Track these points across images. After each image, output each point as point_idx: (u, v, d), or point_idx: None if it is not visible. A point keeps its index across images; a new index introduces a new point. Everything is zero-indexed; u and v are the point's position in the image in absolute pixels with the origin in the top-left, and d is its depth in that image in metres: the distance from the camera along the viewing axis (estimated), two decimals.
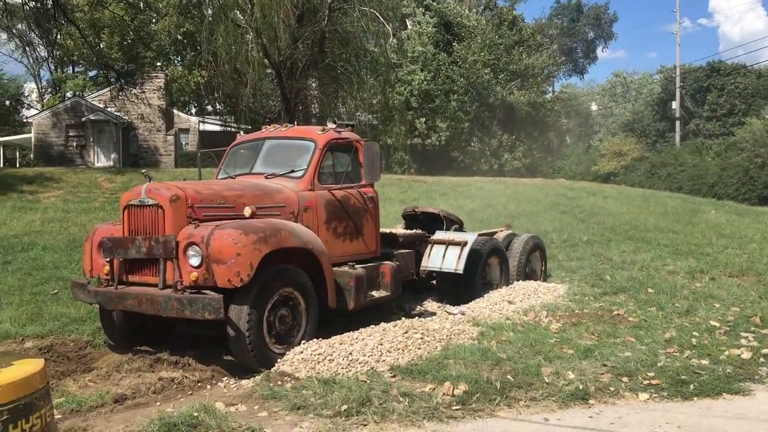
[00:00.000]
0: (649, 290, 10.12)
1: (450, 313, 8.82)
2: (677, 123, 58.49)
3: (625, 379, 6.23)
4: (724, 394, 5.94)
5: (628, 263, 12.18)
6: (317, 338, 6.94)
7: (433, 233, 9.77)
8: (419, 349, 6.98)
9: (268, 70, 26.62)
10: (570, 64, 62.49)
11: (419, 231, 10.05)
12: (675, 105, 57.99)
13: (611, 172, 58.00)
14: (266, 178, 7.86)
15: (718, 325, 8.16)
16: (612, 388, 5.99)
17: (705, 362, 6.77)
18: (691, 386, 6.04)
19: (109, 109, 35.44)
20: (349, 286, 7.55)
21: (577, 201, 19.64)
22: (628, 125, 68.66)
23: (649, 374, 6.34)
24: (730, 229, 16.12)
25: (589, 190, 22.67)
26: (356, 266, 7.77)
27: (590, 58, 64.27)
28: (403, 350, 6.86)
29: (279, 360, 6.51)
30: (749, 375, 6.43)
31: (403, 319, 7.95)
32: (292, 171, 7.89)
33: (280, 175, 7.87)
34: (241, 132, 10.10)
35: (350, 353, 6.58)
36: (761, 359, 6.84)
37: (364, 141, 8.32)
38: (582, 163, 67.45)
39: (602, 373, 6.35)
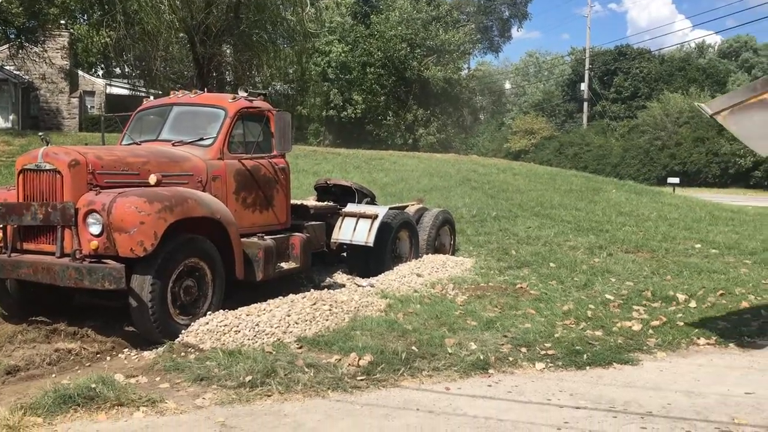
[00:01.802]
0: (551, 265, 10.52)
1: (359, 286, 8.89)
2: (585, 104, 60.65)
3: (523, 349, 6.48)
4: (614, 363, 6.28)
5: (532, 238, 12.59)
6: (224, 309, 6.85)
7: (345, 206, 9.78)
8: (327, 320, 7.02)
9: (181, 34, 25.71)
10: (486, 42, 63.27)
11: (331, 203, 10.03)
12: (584, 86, 60.05)
13: (522, 149, 59.74)
14: (173, 145, 7.64)
15: (612, 298, 8.59)
16: (511, 358, 6.22)
17: (599, 333, 7.13)
18: (585, 356, 6.35)
19: (7, 68, 33.37)
20: (258, 257, 7.48)
21: (488, 177, 20.07)
22: (539, 105, 70.72)
23: (546, 345, 6.63)
24: (629, 207, 16.90)
25: (500, 167, 23.20)
26: (265, 237, 7.69)
27: (505, 37, 65.26)
28: (311, 321, 6.87)
29: (183, 331, 6.40)
30: (638, 346, 6.82)
31: (312, 290, 7.95)
32: (201, 139, 7.69)
33: (189, 143, 7.66)
34: (151, 97, 9.75)
35: (257, 324, 6.54)
36: (650, 331, 7.27)
37: (276, 111, 8.19)
38: (495, 140, 69.15)
39: (503, 344, 6.58)
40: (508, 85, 79.77)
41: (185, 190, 6.90)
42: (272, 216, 8.19)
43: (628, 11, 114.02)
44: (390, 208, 10.01)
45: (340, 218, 9.48)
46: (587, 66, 60.32)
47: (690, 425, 4.79)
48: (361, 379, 5.54)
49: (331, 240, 9.43)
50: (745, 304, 8.47)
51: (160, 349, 6.16)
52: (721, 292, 9.07)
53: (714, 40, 71.33)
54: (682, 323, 7.53)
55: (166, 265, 6.39)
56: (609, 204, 17.18)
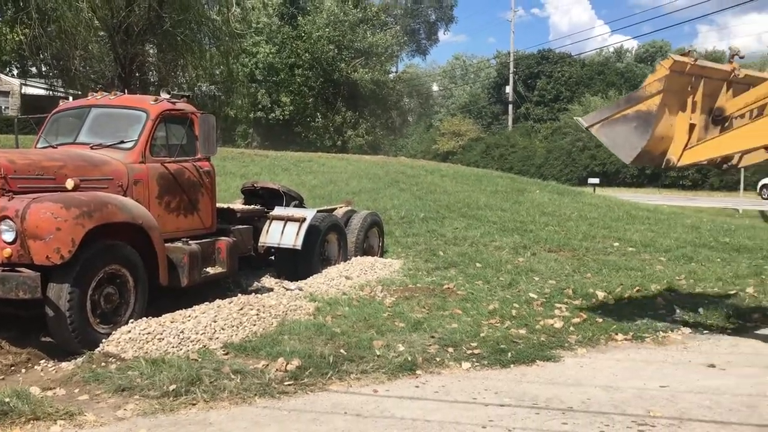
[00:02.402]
0: (477, 265, 10.71)
1: (287, 289, 8.82)
2: (510, 107, 62.06)
3: (450, 349, 6.58)
4: (537, 361, 6.45)
5: (459, 239, 12.78)
6: (147, 317, 6.68)
7: (273, 209, 9.69)
8: (254, 325, 6.94)
9: (101, 33, 24.91)
10: (413, 44, 63.98)
11: (258, 206, 9.92)
12: (508, 89, 61.44)
13: (450, 151, 60.61)
14: (92, 148, 7.40)
15: (536, 296, 8.82)
16: (438, 359, 6.31)
17: (522, 332, 7.31)
18: (509, 354, 6.50)
19: None
20: (183, 262, 7.33)
21: (416, 179, 20.23)
22: (466, 107, 71.93)
23: (472, 344, 6.75)
24: (552, 207, 17.36)
25: (428, 169, 23.41)
26: (190, 242, 7.55)
27: (432, 40, 66.18)
28: (238, 327, 6.78)
29: (104, 340, 6.20)
30: (560, 343, 7.03)
31: (240, 295, 7.85)
32: (122, 142, 7.47)
33: (108, 146, 7.43)
34: (70, 98, 9.41)
35: (182, 331, 6.40)
36: (571, 328, 7.50)
37: (201, 113, 8.04)
38: (423, 141, 69.89)
39: (430, 345, 6.66)
40: (435, 87, 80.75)
41: (105, 194, 6.69)
42: (197, 220, 8.04)
43: (550, 16, 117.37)
44: (318, 211, 9.98)
45: (268, 221, 9.38)
46: (512, 69, 61.75)
47: (608, 419, 4.97)
48: (289, 384, 5.50)
49: (259, 244, 9.32)
50: (660, 300, 8.83)
51: (79, 360, 5.95)
52: (637, 288, 9.44)
53: (631, 45, 74.05)
54: (601, 320, 7.80)
55: (85, 273, 6.18)
56: (533, 204, 17.60)
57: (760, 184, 37.18)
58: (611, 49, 70.91)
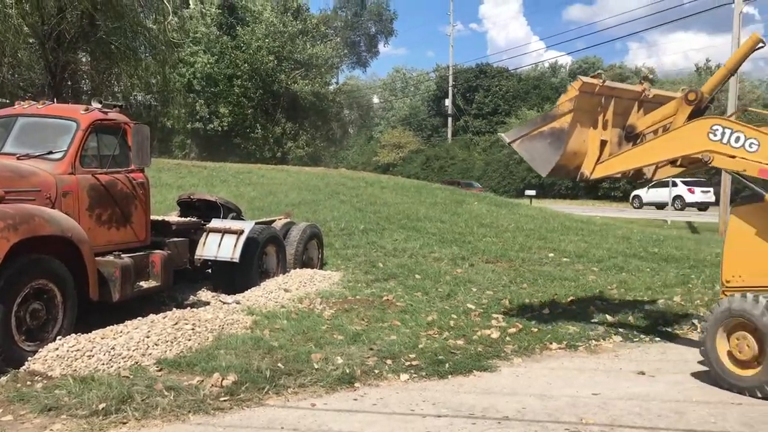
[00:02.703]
0: (417, 276, 10.78)
1: (224, 303, 8.68)
2: (449, 119, 62.91)
3: (389, 361, 6.58)
4: (474, 371, 6.52)
5: (399, 251, 12.84)
6: (76, 333, 6.46)
7: (210, 221, 9.53)
8: (189, 340, 6.79)
9: (31, 40, 24.11)
10: (353, 56, 64.32)
11: (194, 219, 9.74)
12: (448, 102, 62.31)
13: (391, 163, 60.93)
14: (18, 159, 7.13)
15: (473, 307, 8.92)
16: (377, 371, 6.30)
17: (460, 342, 7.38)
18: (447, 365, 6.55)
19: None
20: (115, 276, 7.13)
21: (357, 190, 20.26)
22: (406, 119, 72.53)
23: (410, 356, 6.77)
24: (490, 219, 17.65)
25: (368, 180, 23.49)
26: (123, 255, 7.35)
27: (372, 53, 66.72)
28: (172, 342, 6.63)
29: (30, 358, 5.96)
30: (497, 353, 7.13)
31: (174, 309, 7.68)
32: (50, 152, 7.23)
33: (36, 157, 7.18)
34: None
35: (113, 348, 6.21)
36: (507, 338, 7.61)
37: (134, 123, 7.86)
38: (364, 153, 70.07)
39: (368, 357, 6.65)
40: (376, 100, 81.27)
41: (32, 207, 6.46)
42: (130, 233, 7.83)
43: (488, 31, 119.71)
44: (256, 223, 9.88)
45: (205, 234, 9.22)
46: (451, 83, 62.68)
47: (542, 427, 5.06)
48: (224, 400, 5.40)
49: (195, 256, 9.15)
50: (592, 310, 9.06)
51: (3, 379, 5.70)
52: (571, 298, 9.67)
53: (565, 60, 76.20)
54: (536, 329, 7.95)
55: (9, 288, 5.94)
56: (471, 216, 17.85)
57: (632, 195, 39.12)
58: (546, 65, 72.76)
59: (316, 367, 6.25)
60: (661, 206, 34.59)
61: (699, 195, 35.07)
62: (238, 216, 10.52)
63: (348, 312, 8.51)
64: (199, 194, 10.97)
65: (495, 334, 7.68)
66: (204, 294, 9.20)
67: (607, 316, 8.73)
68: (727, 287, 6.57)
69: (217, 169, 22.36)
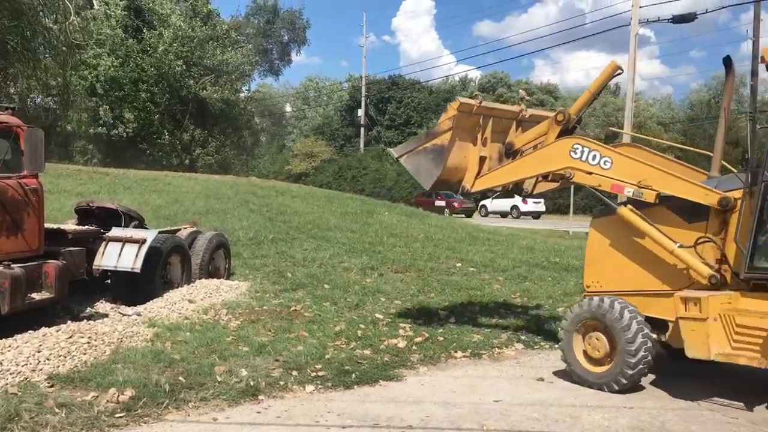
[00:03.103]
0: (326, 286, 10.73)
1: (124, 315, 8.36)
2: (362, 129, 63.21)
3: (294, 372, 6.52)
4: (380, 381, 6.55)
5: (308, 260, 12.75)
6: None
7: (110, 230, 9.17)
8: (85, 354, 6.51)
9: None
10: (266, 64, 63.62)
11: (93, 227, 9.36)
12: (360, 113, 62.61)
13: (303, 172, 60.56)
14: None
15: (381, 317, 8.97)
16: (282, 382, 6.22)
17: (367, 352, 7.39)
18: (353, 375, 6.55)
19: None
20: (3, 287, 6.75)
21: (267, 200, 20.01)
22: (319, 128, 72.34)
23: (317, 366, 6.73)
24: (400, 229, 17.82)
25: (279, 189, 23.25)
26: (13, 265, 6.97)
27: (285, 61, 66.19)
28: (66, 357, 6.33)
29: None
30: (403, 362, 7.19)
31: (69, 322, 7.36)
32: None
33: None
34: None
35: (0, 363, 5.87)
36: (414, 347, 7.69)
37: (27, 127, 7.48)
38: (276, 162, 69.34)
39: (274, 368, 6.57)
40: (288, 108, 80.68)
41: None
42: (21, 242, 7.44)
43: (400, 43, 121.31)
44: (160, 232, 9.58)
45: (104, 243, 8.86)
46: (363, 93, 63.02)
47: None
48: (120, 416, 5.20)
49: (93, 266, 8.78)
50: (496, 318, 9.28)
51: None
52: (477, 306, 9.87)
53: (475, 74, 77.99)
54: (442, 338, 8.06)
55: None
56: (382, 226, 17.97)
57: (480, 204, 41.69)
58: (457, 78, 74.34)
59: (219, 380, 6.11)
60: (504, 214, 39.81)
61: (531, 205, 39.12)
62: (141, 224, 10.19)
63: (254, 323, 8.38)
64: (99, 202, 10.56)
65: (402, 344, 7.74)
66: (102, 306, 8.83)
67: (511, 324, 8.96)
68: (587, 292, 7.16)
69: (121, 176, 21.58)
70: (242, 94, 42.59)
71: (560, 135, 7.54)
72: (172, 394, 5.66)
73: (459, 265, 13.49)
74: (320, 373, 6.55)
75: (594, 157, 6.96)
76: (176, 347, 7.07)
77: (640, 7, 26.92)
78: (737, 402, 6.06)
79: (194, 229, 10.98)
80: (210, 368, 6.37)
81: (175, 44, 34.53)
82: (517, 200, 37.97)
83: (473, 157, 7.85)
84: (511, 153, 8.04)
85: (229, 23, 42.57)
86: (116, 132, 34.73)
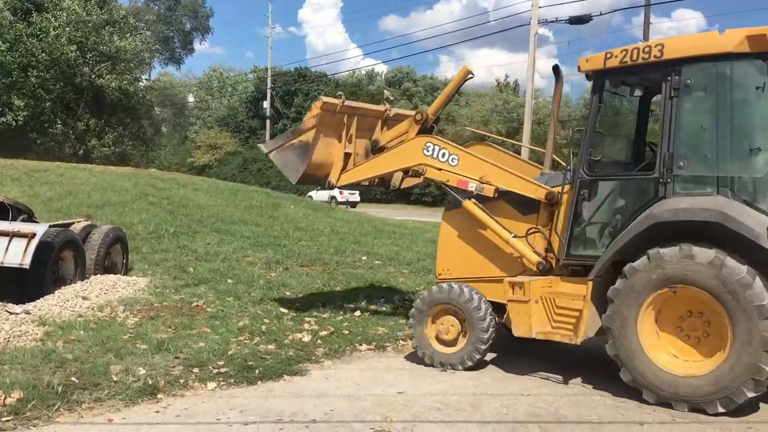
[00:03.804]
0: (229, 281, 10.54)
1: (11, 313, 7.90)
2: (268, 122, 62.37)
3: (196, 369, 6.37)
4: (285, 376, 6.50)
5: (212, 255, 12.48)
6: None
7: None
8: None
9: None
10: (167, 52, 61.72)
11: None
12: (266, 104, 61.77)
13: (206, 164, 59.20)
14: None
15: (286, 311, 8.90)
16: (182, 380, 6.07)
17: (271, 347, 7.32)
18: (257, 371, 6.47)
19: None
20: None
21: (167, 192, 19.39)
22: (223, 120, 70.84)
23: (219, 363, 6.61)
24: (306, 222, 17.71)
25: (180, 182, 22.56)
26: None
27: (187, 50, 64.48)
28: None
29: None
30: (308, 356, 7.16)
31: None
32: None
33: None
34: None
35: None
36: (319, 341, 7.67)
37: None
38: (177, 153, 67.39)
39: (174, 366, 6.40)
40: (191, 99, 78.54)
41: None
42: None
43: (306, 36, 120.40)
44: (51, 226, 9.13)
45: None
46: (269, 85, 62.21)
47: (348, 428, 5.15)
48: (7, 420, 4.93)
49: None
50: (401, 311, 9.39)
51: None
52: (382, 299, 9.95)
53: (381, 69, 78.51)
54: (347, 332, 8.09)
55: None
56: (287, 219, 17.80)
57: (307, 194, 43.30)
58: (363, 72, 74.58)
59: (115, 379, 5.90)
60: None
61: (347, 195, 42.89)
62: (30, 218, 9.70)
63: (154, 320, 8.13)
64: None
65: (306, 338, 7.71)
66: None
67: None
68: (439, 279, 7.72)
69: (8, 166, 20.34)
70: (142, 83, 41.00)
71: (419, 133, 7.99)
72: (64, 395, 5.41)
73: (365, 258, 13.55)
74: (222, 370, 6.43)
75: (443, 155, 7.54)
76: (69, 346, 6.76)
77: (540, 7, 27.84)
78: (557, 375, 6.76)
79: (89, 222, 10.53)
80: (105, 367, 6.13)
81: (68, 28, 32.76)
82: (335, 192, 39.45)
83: (338, 153, 8.24)
84: (377, 150, 8.43)
85: (127, 8, 40.92)
86: (4, 120, 32.71)
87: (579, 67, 6.76)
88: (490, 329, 6.82)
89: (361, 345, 7.66)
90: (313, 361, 7.04)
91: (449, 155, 7.50)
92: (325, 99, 8.02)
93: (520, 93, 54.04)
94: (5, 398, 5.19)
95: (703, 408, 5.65)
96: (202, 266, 11.52)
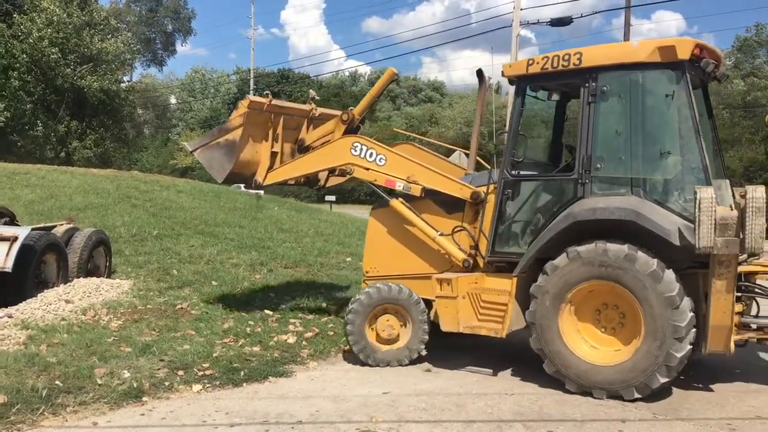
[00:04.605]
0: (213, 283, 10.53)
1: None
2: None
3: (181, 372, 6.37)
4: (270, 377, 6.51)
5: (195, 257, 12.44)
6: None
7: None
8: None
9: None
10: (149, 54, 61.34)
11: None
12: None
13: (189, 166, 58.76)
14: None
15: (271, 313, 8.90)
16: (167, 383, 6.06)
17: (257, 349, 7.33)
18: (242, 373, 6.47)
19: None
20: None
21: (150, 194, 19.27)
22: (206, 121, 70.40)
23: (204, 365, 6.60)
24: (290, 224, 17.70)
25: (163, 184, 22.43)
26: None
27: (170, 51, 64.06)
28: None
29: None
30: (293, 358, 7.18)
31: None
32: None
33: None
34: None
35: None
36: (304, 342, 7.69)
37: None
38: (160, 155, 66.88)
39: (159, 369, 6.39)
40: (173, 100, 78.00)
41: None
42: None
43: (289, 37, 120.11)
44: (33, 229, 9.08)
45: None
46: (252, 86, 61.95)
47: (334, 428, 5.17)
48: None
49: None
50: None
51: None
52: None
53: (365, 70, 78.47)
54: (332, 333, 8.11)
55: None
56: (271, 221, 17.78)
57: (241, 187, 43.62)
58: (347, 73, 74.53)
59: (99, 382, 5.88)
60: None
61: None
62: (12, 221, 9.64)
63: (138, 322, 8.11)
64: None
65: (291, 339, 7.72)
66: None
67: None
68: (367, 277, 7.90)
69: None
70: (123, 85, 40.69)
71: (345, 133, 8.08)
72: (49, 399, 5.39)
73: (349, 259, 13.57)
74: (208, 372, 6.43)
75: (371, 155, 7.72)
76: (52, 350, 6.73)
77: (521, 9, 28.01)
78: (486, 369, 6.96)
79: (71, 225, 10.47)
80: (89, 371, 6.11)
81: (49, 30, 32.49)
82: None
83: (265, 152, 8.23)
84: (303, 149, 8.48)
85: (108, 10, 40.61)
86: None
87: (502, 72, 7.09)
88: (427, 326, 7.07)
89: (346, 346, 7.66)
90: (299, 363, 7.06)
91: (377, 155, 7.67)
92: (251, 98, 8.05)
93: (503, 95, 54.36)
94: None
95: (621, 394, 5.99)
96: (186, 268, 11.49)
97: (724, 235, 5.67)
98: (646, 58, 6.21)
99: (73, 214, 13.29)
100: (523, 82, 6.97)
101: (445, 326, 6.81)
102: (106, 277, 10.42)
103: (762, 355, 7.76)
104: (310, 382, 6.44)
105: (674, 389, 6.34)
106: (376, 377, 6.68)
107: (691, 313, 5.87)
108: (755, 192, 5.73)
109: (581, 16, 37.67)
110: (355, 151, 7.74)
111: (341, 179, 8.64)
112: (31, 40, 32.45)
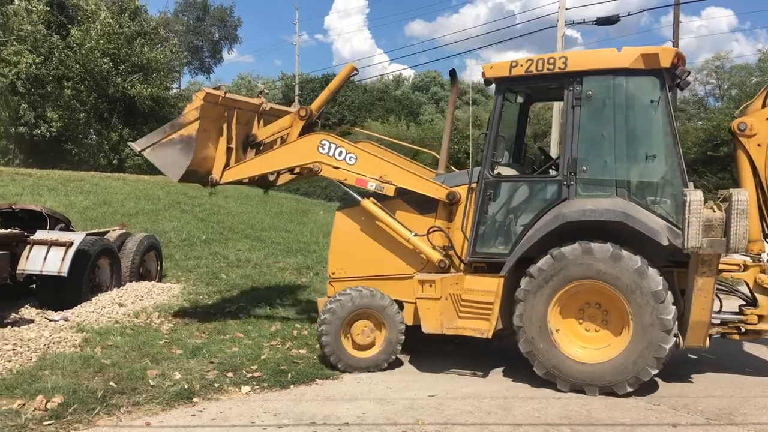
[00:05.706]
0: (261, 287, 10.67)
1: (51, 320, 8.12)
2: None
3: (230, 374, 6.48)
4: (317, 379, 6.58)
5: (243, 261, 12.64)
6: None
7: (35, 233, 8.88)
8: (9, 362, 6.33)
9: None
10: (197, 62, 62.39)
11: (16, 230, 9.03)
12: None
13: None
14: None
15: (317, 316, 8.95)
16: (217, 385, 6.17)
17: (303, 351, 7.41)
18: (289, 375, 6.56)
19: None
20: None
21: (198, 200, 19.66)
22: None
23: (252, 367, 6.70)
24: None
25: (211, 190, 22.90)
26: None
27: (216, 59, 64.99)
28: None
29: None
30: None
31: None
32: None
33: None
34: None
35: None
36: None
37: None
38: None
39: (208, 371, 6.51)
40: None
41: None
42: None
43: (333, 43, 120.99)
44: (87, 234, 9.35)
45: (28, 247, 8.58)
46: (297, 92, 62.52)
47: (380, 430, 5.19)
48: (49, 424, 5.06)
49: (17, 271, 8.49)
50: None
51: None
52: None
53: (408, 74, 78.45)
54: None
55: None
56: (317, 225, 17.94)
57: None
58: (390, 77, 74.62)
59: (152, 384, 6.01)
60: None
61: None
62: (67, 227, 9.92)
63: (188, 325, 8.28)
64: (22, 204, 10.23)
65: None
66: (27, 311, 8.56)
67: None
68: (333, 278, 7.68)
69: (45, 176, 20.82)
70: (172, 92, 41.56)
71: (303, 129, 7.96)
72: (104, 399, 5.54)
73: None
74: (256, 374, 6.53)
75: (340, 153, 7.53)
76: (106, 352, 6.92)
77: (567, 9, 27.66)
78: (467, 370, 6.95)
79: (124, 231, 10.75)
80: (142, 372, 6.27)
81: (101, 41, 33.40)
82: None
83: (221, 148, 7.94)
84: (254, 145, 8.31)
85: (157, 20, 41.47)
86: (39, 131, 33.39)
87: (483, 73, 7.02)
88: (403, 329, 6.93)
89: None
90: None
91: (346, 153, 7.52)
92: (207, 90, 7.76)
93: None
94: (47, 403, 5.34)
95: (614, 390, 6.07)
96: (234, 272, 11.69)
97: (709, 236, 5.81)
98: (630, 65, 6.32)
99: (126, 219, 13.64)
100: (505, 84, 6.98)
101: (428, 328, 6.71)
102: (158, 281, 10.67)
103: None
104: (356, 385, 6.48)
105: (731, 395, 6.19)
106: (423, 380, 6.69)
107: (674, 306, 6.01)
108: (740, 195, 5.87)
109: (628, 15, 36.70)
110: (323, 149, 7.56)
111: (291, 177, 8.51)
112: (84, 51, 33.37)
